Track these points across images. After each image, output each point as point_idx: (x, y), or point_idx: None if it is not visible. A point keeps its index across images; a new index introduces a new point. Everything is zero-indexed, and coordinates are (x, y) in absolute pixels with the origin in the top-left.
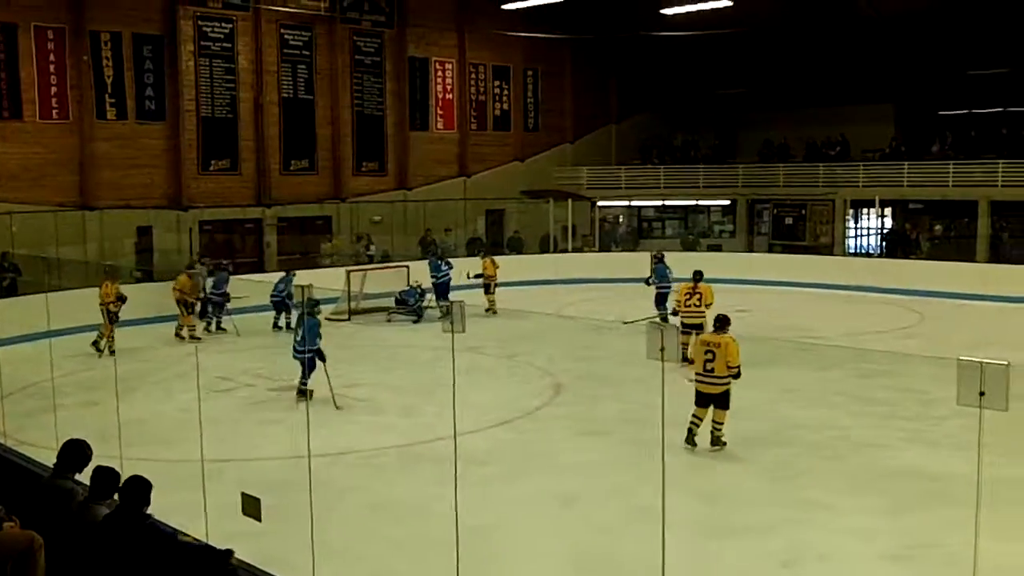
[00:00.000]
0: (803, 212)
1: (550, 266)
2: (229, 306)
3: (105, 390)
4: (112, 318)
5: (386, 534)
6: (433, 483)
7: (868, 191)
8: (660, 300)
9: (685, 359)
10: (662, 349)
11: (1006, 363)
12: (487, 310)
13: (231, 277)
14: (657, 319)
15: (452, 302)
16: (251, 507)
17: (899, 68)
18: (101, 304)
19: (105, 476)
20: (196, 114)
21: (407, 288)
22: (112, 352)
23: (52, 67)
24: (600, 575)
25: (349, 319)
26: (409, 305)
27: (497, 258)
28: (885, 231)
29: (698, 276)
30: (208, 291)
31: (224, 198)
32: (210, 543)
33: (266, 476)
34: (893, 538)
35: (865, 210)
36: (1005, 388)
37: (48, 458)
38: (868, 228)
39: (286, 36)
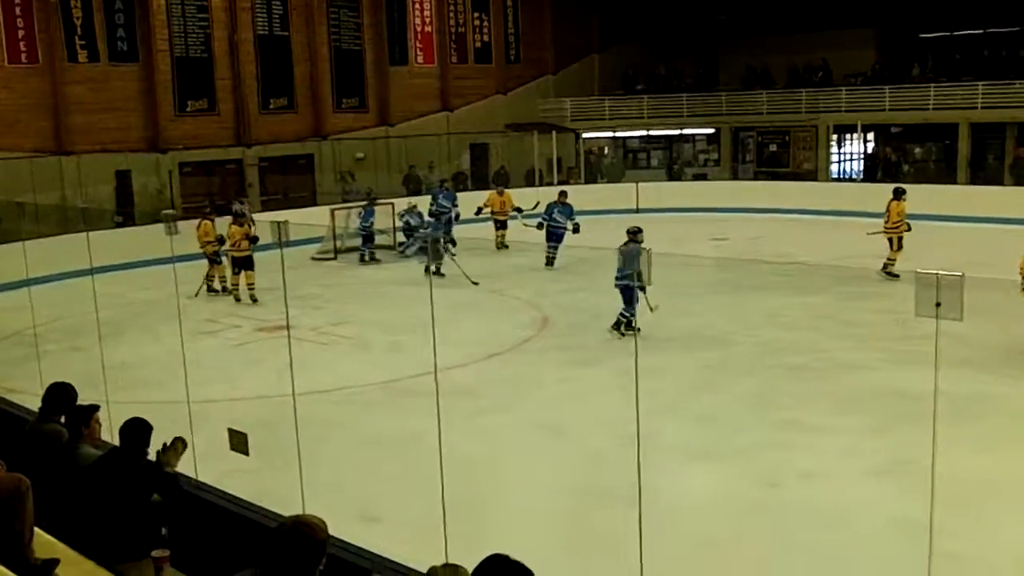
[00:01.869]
0: (786, 139)
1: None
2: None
3: (90, 336)
4: (214, 259)
5: (375, 468)
6: (422, 416)
7: (850, 116)
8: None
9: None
10: (639, 273)
11: (960, 274)
12: (499, 246)
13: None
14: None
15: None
16: (239, 442)
17: None
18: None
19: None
20: (170, 54)
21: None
22: (224, 290)
23: (18, 9)
24: (591, 502)
25: (335, 258)
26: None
27: (492, 192)
28: (866, 156)
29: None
30: (360, 225)
31: (203, 139)
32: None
33: (254, 415)
34: (875, 455)
35: (848, 135)
36: (960, 298)
37: (34, 404)
38: (851, 153)
39: None
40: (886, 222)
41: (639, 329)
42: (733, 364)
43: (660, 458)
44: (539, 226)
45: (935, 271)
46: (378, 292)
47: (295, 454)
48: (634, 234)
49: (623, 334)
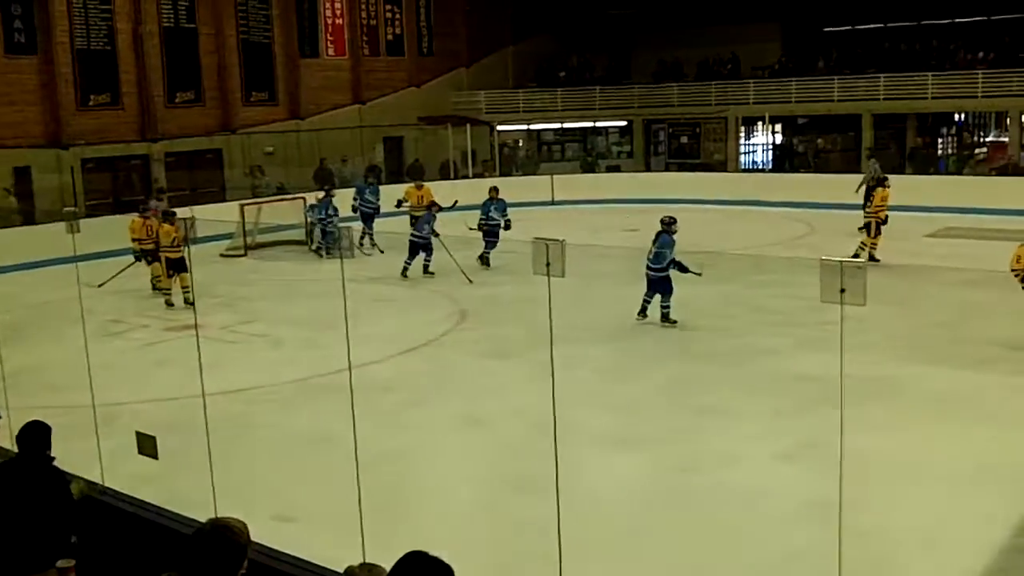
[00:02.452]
0: (697, 131)
1: (450, 192)
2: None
3: None
4: (147, 258)
5: (290, 468)
6: (337, 414)
7: (758, 108)
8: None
9: None
10: (548, 264)
11: (863, 260)
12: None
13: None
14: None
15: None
16: (147, 446)
17: None
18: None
19: None
20: (71, 46)
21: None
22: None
23: None
24: (511, 493)
25: (245, 254)
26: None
27: (409, 186)
28: (774, 146)
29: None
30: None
31: (107, 134)
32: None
33: (163, 417)
34: (786, 438)
35: (756, 126)
36: (863, 284)
37: None
38: (759, 144)
39: None
40: (866, 207)
41: (675, 321)
42: (648, 353)
43: (578, 447)
44: (479, 227)
45: (839, 258)
46: (291, 289)
47: (206, 456)
48: (668, 224)
49: (645, 317)
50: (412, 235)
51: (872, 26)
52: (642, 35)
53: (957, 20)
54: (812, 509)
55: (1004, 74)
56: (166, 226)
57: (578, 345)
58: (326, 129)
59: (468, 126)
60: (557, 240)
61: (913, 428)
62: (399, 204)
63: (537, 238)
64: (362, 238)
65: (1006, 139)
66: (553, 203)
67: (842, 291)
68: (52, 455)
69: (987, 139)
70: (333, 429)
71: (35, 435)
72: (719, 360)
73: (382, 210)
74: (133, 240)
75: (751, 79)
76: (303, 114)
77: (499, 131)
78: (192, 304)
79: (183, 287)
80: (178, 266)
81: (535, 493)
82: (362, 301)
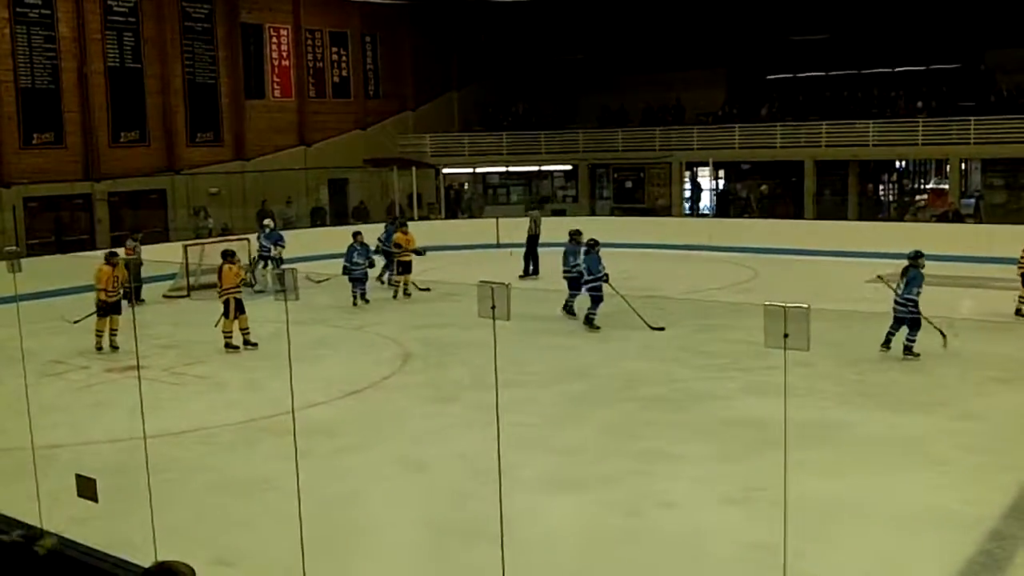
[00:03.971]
0: (641, 175)
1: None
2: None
3: None
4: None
5: (232, 511)
6: (279, 457)
7: (702, 153)
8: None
9: None
10: (493, 307)
11: (806, 306)
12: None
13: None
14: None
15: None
16: (86, 488)
17: (729, 34)
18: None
19: None
20: (15, 85)
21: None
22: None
23: None
24: (454, 538)
25: (188, 295)
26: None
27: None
28: (717, 192)
29: None
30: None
31: (50, 174)
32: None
33: (104, 460)
34: (730, 482)
35: (700, 171)
36: (806, 329)
37: None
38: (703, 189)
39: (110, 3)
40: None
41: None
42: (594, 396)
43: (523, 491)
44: (565, 276)
45: (782, 303)
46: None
47: (147, 499)
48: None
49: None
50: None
51: (814, 74)
52: (588, 80)
53: (897, 69)
54: (756, 552)
55: (944, 122)
56: (234, 267)
57: (523, 388)
58: (271, 170)
59: (413, 169)
60: (503, 283)
61: (854, 473)
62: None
63: (483, 281)
64: (380, 275)
65: (946, 186)
66: (499, 246)
67: (785, 336)
68: None
69: (927, 186)
70: (274, 473)
71: None
72: (664, 404)
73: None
74: (98, 290)
75: (695, 125)
76: (248, 155)
77: (445, 174)
78: (116, 348)
79: (112, 330)
80: (114, 308)
81: (479, 538)
82: (306, 343)
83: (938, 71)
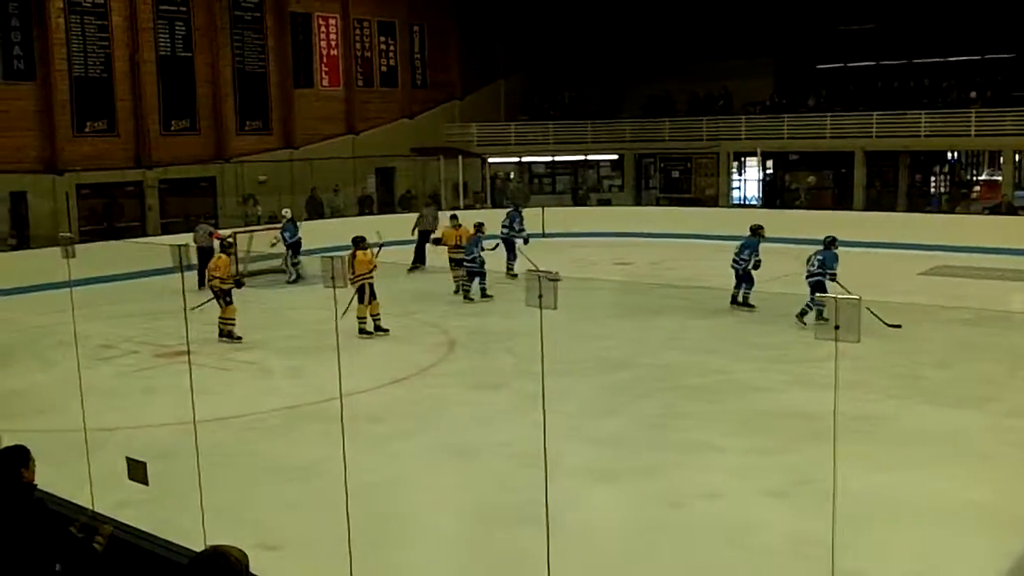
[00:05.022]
0: (688, 165)
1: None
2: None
3: None
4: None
5: (278, 496)
6: (325, 443)
7: (750, 143)
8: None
9: None
10: (540, 296)
11: (858, 297)
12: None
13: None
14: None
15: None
16: (137, 471)
17: (777, 23)
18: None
19: None
20: (68, 73)
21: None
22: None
23: None
24: (498, 525)
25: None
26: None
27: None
28: (765, 182)
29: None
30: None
31: (102, 161)
32: (96, 516)
33: (153, 443)
34: (775, 475)
35: (748, 161)
36: (857, 321)
37: None
38: (751, 179)
39: None
40: None
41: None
42: (636, 386)
43: (565, 480)
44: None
45: (833, 295)
46: (282, 317)
47: (195, 483)
48: (831, 243)
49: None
50: (464, 262)
51: (864, 64)
52: (634, 70)
53: (950, 59)
54: (800, 546)
55: (997, 113)
56: (367, 254)
57: (565, 378)
58: (319, 159)
59: (460, 158)
60: (551, 273)
61: (900, 467)
62: (436, 243)
63: (530, 270)
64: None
65: (999, 178)
66: (544, 235)
67: (836, 328)
68: (34, 481)
69: (980, 178)
70: (320, 458)
71: (11, 459)
72: (707, 395)
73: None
74: (215, 279)
75: (743, 115)
76: (296, 143)
77: (490, 163)
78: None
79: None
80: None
81: (522, 525)
82: (352, 331)
83: (992, 60)
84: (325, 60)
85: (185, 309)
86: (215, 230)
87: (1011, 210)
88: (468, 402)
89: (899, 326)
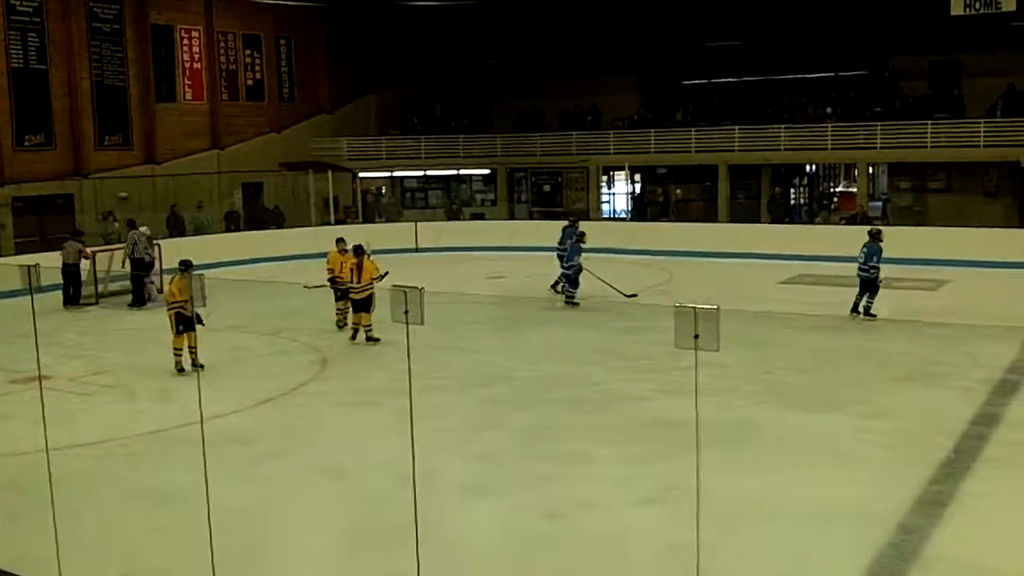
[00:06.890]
0: (559, 179)
1: (311, 239)
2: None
3: None
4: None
5: (143, 524)
6: (193, 467)
7: (618, 158)
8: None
9: None
10: (406, 312)
11: (716, 307)
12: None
13: None
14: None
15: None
16: None
17: (644, 40)
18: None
19: None
20: None
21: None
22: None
23: None
24: (372, 545)
25: (97, 303)
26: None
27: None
28: (634, 196)
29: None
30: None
31: None
32: None
33: (5, 475)
34: (647, 483)
35: (617, 175)
36: (716, 329)
37: None
38: (620, 193)
39: (12, 2)
40: None
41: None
42: (513, 399)
43: (442, 496)
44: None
45: (692, 305)
46: (145, 337)
47: (50, 514)
48: (875, 235)
49: (867, 316)
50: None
51: (728, 80)
52: (504, 85)
53: (807, 75)
54: (674, 552)
55: (851, 127)
56: (366, 263)
57: (443, 393)
58: (183, 174)
59: (330, 172)
60: (415, 287)
61: (770, 470)
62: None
63: (396, 285)
64: (556, 283)
65: (854, 189)
66: (417, 250)
67: (696, 337)
68: None
69: (837, 189)
70: (187, 483)
71: None
72: (583, 406)
73: None
74: (177, 303)
75: (611, 130)
76: (159, 158)
77: (361, 177)
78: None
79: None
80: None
81: (397, 544)
82: (220, 350)
83: (846, 78)
84: (188, 73)
85: (193, 310)
86: (83, 247)
87: (866, 220)
88: (341, 421)
89: (636, 295)
